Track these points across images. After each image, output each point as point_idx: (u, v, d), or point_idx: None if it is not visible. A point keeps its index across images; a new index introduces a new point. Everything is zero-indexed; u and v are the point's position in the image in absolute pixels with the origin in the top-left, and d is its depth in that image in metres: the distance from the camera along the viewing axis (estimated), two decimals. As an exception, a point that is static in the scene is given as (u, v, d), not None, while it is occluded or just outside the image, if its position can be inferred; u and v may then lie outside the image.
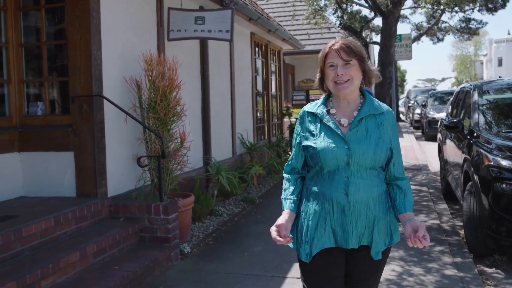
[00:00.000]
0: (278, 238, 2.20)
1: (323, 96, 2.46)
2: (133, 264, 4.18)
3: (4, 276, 3.32)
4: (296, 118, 13.47)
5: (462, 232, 5.65)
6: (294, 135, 2.45)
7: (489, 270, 4.71)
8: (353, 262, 2.37)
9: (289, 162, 2.47)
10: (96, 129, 4.84)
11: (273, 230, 2.24)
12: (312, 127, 2.36)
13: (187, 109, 5.92)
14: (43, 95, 5.20)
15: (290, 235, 2.25)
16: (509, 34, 63.87)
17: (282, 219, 2.30)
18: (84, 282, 3.78)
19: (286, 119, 13.22)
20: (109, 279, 3.81)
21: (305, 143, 2.35)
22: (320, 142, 2.29)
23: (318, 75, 2.42)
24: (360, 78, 2.33)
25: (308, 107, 2.44)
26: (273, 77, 12.31)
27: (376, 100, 2.41)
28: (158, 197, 5.28)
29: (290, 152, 12.27)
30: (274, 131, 12.17)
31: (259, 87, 11.01)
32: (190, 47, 7.05)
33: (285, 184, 2.45)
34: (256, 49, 10.77)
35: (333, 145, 2.26)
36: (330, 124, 2.30)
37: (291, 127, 12.62)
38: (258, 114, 10.91)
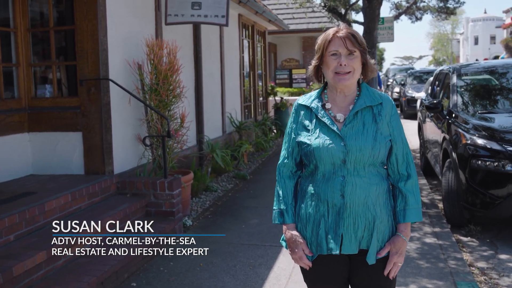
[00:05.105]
0: (306, 262, 2.20)
1: (317, 89, 2.31)
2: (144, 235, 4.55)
3: (34, 247, 3.66)
4: (281, 98, 13.73)
5: (440, 205, 6.13)
6: (288, 130, 2.29)
7: (464, 239, 5.20)
8: (353, 267, 2.21)
9: (284, 160, 2.29)
10: (103, 110, 5.14)
11: (303, 257, 2.19)
12: (306, 122, 2.20)
13: (186, 91, 6.24)
14: (51, 78, 5.46)
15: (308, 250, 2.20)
16: (485, 13, 64.74)
17: (300, 237, 2.20)
18: (107, 249, 4.13)
19: (271, 98, 13.60)
20: (129, 247, 4.18)
21: (299, 138, 2.20)
22: (315, 138, 2.14)
23: (314, 62, 2.22)
24: (360, 71, 2.17)
25: (302, 100, 2.27)
26: (259, 57, 12.63)
27: (375, 90, 2.24)
28: (159, 174, 5.64)
29: (275, 131, 12.68)
30: (259, 110, 12.55)
31: (246, 67, 11.34)
32: (184, 30, 7.33)
33: (281, 188, 2.28)
34: (244, 30, 11.07)
35: (328, 141, 2.11)
36: (325, 119, 2.15)
37: (276, 106, 12.99)
38: (245, 94, 11.25)
